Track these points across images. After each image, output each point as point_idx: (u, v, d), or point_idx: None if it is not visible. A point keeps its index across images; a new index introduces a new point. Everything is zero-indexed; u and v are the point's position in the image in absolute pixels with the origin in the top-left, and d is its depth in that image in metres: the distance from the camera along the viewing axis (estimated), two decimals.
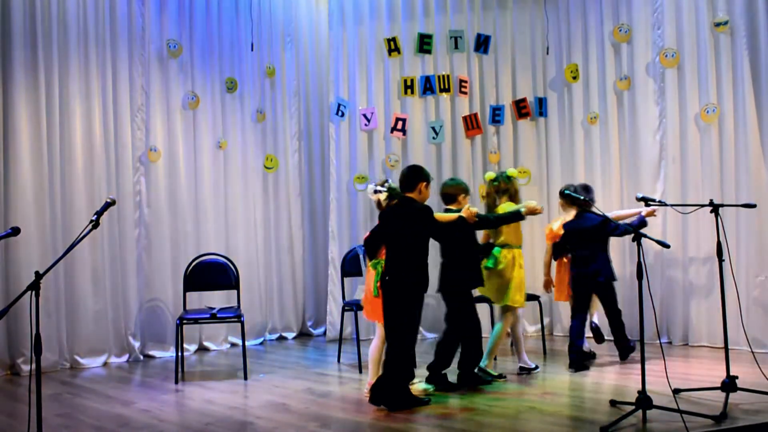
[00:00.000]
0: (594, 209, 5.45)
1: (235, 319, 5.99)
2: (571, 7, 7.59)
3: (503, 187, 5.64)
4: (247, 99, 7.80)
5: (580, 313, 5.89)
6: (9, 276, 6.15)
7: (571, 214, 6.01)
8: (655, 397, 4.15)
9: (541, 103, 7.79)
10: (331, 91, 7.82)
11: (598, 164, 7.35)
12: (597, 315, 6.25)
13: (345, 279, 6.87)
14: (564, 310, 7.29)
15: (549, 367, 5.94)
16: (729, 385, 4.45)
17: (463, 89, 7.78)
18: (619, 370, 5.71)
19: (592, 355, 6.14)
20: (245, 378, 5.82)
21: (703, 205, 4.86)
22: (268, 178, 7.98)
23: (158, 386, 5.65)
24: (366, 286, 5.28)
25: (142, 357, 6.86)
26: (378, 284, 4.91)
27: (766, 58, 6.28)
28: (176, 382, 5.73)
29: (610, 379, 5.46)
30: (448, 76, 7.76)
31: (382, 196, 5.14)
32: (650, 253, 6.57)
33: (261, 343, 7.70)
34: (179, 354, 5.96)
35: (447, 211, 5.36)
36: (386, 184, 5.19)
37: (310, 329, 8.30)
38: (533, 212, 5.31)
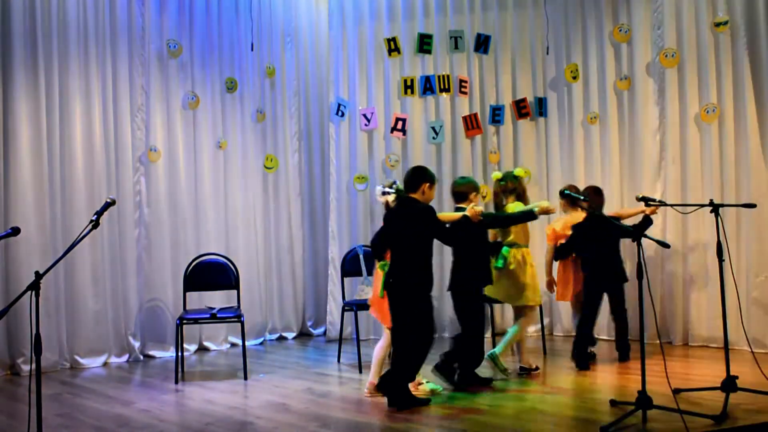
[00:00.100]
0: (592, 210, 5.45)
1: (235, 319, 5.99)
2: (571, 8, 7.58)
3: (510, 186, 5.64)
4: (247, 99, 7.80)
5: (591, 315, 5.87)
6: (9, 276, 6.15)
7: (573, 215, 6.01)
8: (655, 397, 4.15)
9: (541, 103, 7.78)
10: (331, 91, 7.82)
11: (598, 164, 7.35)
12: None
13: (345, 279, 6.87)
14: (564, 310, 7.29)
15: (549, 368, 5.94)
16: (729, 385, 4.45)
17: (463, 89, 7.77)
18: (619, 370, 5.71)
19: (592, 356, 6.14)
20: (245, 378, 5.82)
21: (703, 205, 4.86)
22: (268, 178, 7.97)
23: (158, 386, 5.66)
24: (374, 287, 5.27)
25: (142, 357, 6.86)
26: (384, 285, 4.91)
27: (766, 58, 6.28)
28: (176, 382, 5.74)
29: (610, 379, 5.46)
30: (448, 76, 7.75)
31: (391, 198, 5.02)
32: (650, 253, 6.56)
33: (261, 343, 7.70)
34: (179, 354, 5.96)
35: (458, 209, 5.32)
36: (394, 186, 5.07)
37: (310, 329, 8.30)
38: (546, 212, 5.30)
